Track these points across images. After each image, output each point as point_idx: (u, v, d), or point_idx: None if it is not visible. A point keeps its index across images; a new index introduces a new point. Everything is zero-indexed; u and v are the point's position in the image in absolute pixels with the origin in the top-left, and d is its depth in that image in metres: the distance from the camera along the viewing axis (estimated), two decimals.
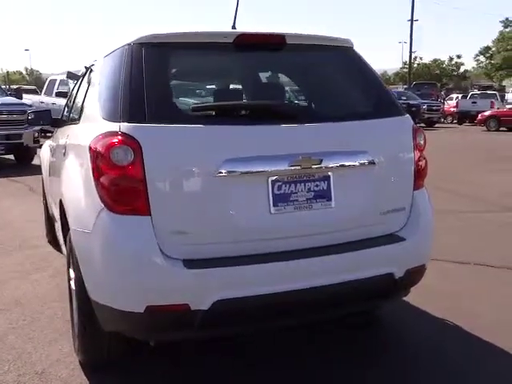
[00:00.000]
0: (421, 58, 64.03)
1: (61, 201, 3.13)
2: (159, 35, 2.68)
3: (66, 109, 4.60)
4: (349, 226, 2.65)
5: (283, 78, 2.82)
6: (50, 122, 4.80)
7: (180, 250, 2.37)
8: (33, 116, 4.88)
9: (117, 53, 2.84)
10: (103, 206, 2.41)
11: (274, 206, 2.48)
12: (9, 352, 3.19)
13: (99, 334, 2.74)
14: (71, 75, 3.92)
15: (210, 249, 2.41)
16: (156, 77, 2.54)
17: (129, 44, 2.69)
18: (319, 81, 2.89)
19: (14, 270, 4.76)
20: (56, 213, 3.97)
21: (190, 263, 2.35)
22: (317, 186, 2.56)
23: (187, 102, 2.65)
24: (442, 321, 3.46)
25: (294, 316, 2.58)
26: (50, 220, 5.28)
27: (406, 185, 2.82)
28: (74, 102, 4.02)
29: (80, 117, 3.38)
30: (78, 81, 4.25)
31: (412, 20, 42.48)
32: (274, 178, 2.48)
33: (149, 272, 2.35)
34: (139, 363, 3.00)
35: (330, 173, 2.58)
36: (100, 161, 2.43)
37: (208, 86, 2.92)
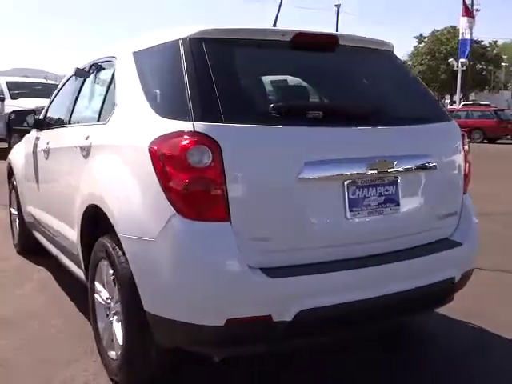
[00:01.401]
0: None
1: (88, 207, 2.87)
2: (220, 30, 2.53)
3: (57, 110, 4.27)
4: (413, 231, 2.61)
5: (340, 79, 2.75)
6: (33, 123, 4.47)
7: (260, 258, 2.22)
8: (13, 116, 4.50)
9: (163, 47, 2.66)
10: (175, 211, 2.21)
11: (350, 210, 2.39)
12: (25, 376, 2.86)
13: (149, 350, 2.53)
14: (80, 72, 3.62)
15: (289, 256, 2.28)
16: (224, 74, 2.38)
17: (183, 38, 2.51)
18: (375, 84, 2.84)
19: None
20: (57, 221, 3.67)
21: (272, 272, 2.21)
22: (386, 190, 2.50)
23: (257, 100, 2.50)
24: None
25: (371, 323, 2.50)
26: (23, 229, 4.90)
27: (458, 189, 2.82)
28: (75, 102, 3.72)
29: (101, 116, 3.14)
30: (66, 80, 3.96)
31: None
32: (350, 181, 2.39)
33: (230, 282, 2.18)
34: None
35: (398, 177, 2.53)
36: (171, 163, 2.23)
37: (272, 85, 2.78)
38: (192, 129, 2.21)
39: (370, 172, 2.42)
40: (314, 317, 2.24)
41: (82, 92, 3.68)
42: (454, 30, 56.70)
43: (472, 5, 39.39)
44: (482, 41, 55.62)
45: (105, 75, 3.33)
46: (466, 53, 29.56)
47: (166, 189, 2.24)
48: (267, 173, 2.26)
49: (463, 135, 2.90)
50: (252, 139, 2.25)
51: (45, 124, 4.35)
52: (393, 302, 2.44)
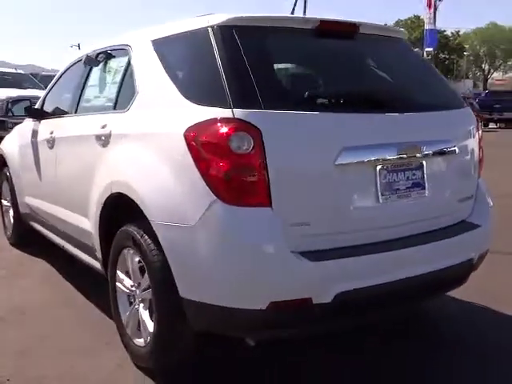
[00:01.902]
0: None
1: (110, 196, 2.86)
2: (248, 18, 2.56)
3: (58, 99, 4.21)
4: (437, 214, 2.70)
5: (364, 67, 2.81)
6: (30, 113, 4.40)
7: (300, 243, 2.26)
8: (11, 106, 4.41)
9: (190, 35, 2.67)
10: (215, 197, 2.23)
11: (381, 194, 2.46)
12: (54, 368, 2.84)
13: (180, 336, 2.56)
14: (89, 60, 3.58)
15: (327, 240, 2.33)
16: (258, 61, 2.41)
17: (213, 26, 2.53)
18: (396, 71, 2.90)
19: None
20: (65, 211, 3.63)
21: (312, 255, 2.26)
22: (413, 174, 2.57)
23: (292, 86, 2.53)
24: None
25: (401, 304, 2.59)
26: (19, 220, 4.82)
27: (473, 173, 2.92)
28: (82, 91, 3.67)
29: (118, 104, 3.12)
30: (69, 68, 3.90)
31: None
32: (381, 166, 2.46)
33: (273, 266, 2.22)
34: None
35: (424, 161, 2.60)
36: (211, 149, 2.25)
37: (302, 72, 2.81)
38: (232, 115, 2.24)
39: (399, 157, 2.49)
40: (351, 298, 2.30)
41: (89, 81, 3.64)
42: (417, 20, 57.68)
43: None
44: (445, 31, 56.71)
45: (118, 63, 3.30)
46: (435, 43, 30.01)
47: (206, 175, 2.26)
48: (306, 158, 2.30)
49: (477, 121, 3.00)
50: (291, 125, 2.29)
51: (44, 114, 4.29)
52: (422, 283, 2.53)
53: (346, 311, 2.36)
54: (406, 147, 2.50)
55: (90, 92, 3.60)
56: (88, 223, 3.26)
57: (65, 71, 4.29)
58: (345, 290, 2.28)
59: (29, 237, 4.88)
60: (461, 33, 63.69)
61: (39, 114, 4.34)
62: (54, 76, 4.61)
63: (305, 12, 3.46)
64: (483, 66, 70.45)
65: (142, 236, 2.63)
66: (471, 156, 2.89)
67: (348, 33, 2.76)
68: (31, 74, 14.76)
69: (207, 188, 2.26)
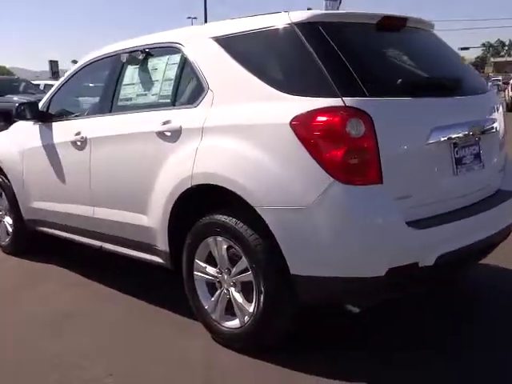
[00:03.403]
0: None
1: (189, 189, 2.97)
2: (329, 14, 2.81)
3: (74, 100, 4.17)
4: (488, 184, 3.10)
5: (425, 56, 3.14)
6: (35, 115, 4.32)
7: (406, 214, 2.55)
8: (22, 108, 4.30)
9: (272, 32, 2.85)
10: (333, 179, 2.46)
11: (456, 167, 2.81)
12: (142, 358, 2.93)
13: (283, 313, 2.77)
14: (130, 59, 3.60)
15: (424, 209, 2.64)
16: (349, 53, 2.65)
17: (296, 23, 2.74)
18: (445, 59, 3.24)
19: (14, 283, 4.19)
20: (108, 211, 3.64)
21: (416, 224, 2.55)
22: (474, 149, 2.94)
23: (384, 75, 2.80)
24: None
25: (474, 261, 2.96)
26: (21, 228, 4.69)
27: (503, 148, 3.35)
28: (116, 89, 3.68)
29: (179, 100, 3.22)
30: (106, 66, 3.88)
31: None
32: (455, 143, 2.80)
33: (390, 236, 2.50)
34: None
35: (480, 138, 2.98)
36: (327, 135, 2.48)
37: (385, 61, 3.05)
38: (343, 104, 2.47)
39: (467, 134, 2.85)
40: (446, 260, 2.63)
41: (124, 79, 3.65)
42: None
43: None
44: None
45: (167, 61, 3.36)
46: None
47: (321, 159, 2.48)
48: (406, 139, 2.61)
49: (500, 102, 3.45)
50: (392, 110, 2.59)
51: (55, 116, 4.24)
52: (489, 242, 2.92)
53: (442, 271, 2.69)
54: (472, 125, 2.87)
55: (129, 90, 3.61)
56: (147, 219, 3.32)
57: (74, 74, 4.24)
58: (443, 252, 2.60)
59: (30, 244, 4.79)
60: None
61: (48, 117, 4.27)
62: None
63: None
64: None
65: (236, 223, 2.79)
66: (501, 133, 3.31)
67: (402, 26, 3.07)
68: None
69: (323, 171, 2.48)
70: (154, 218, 3.27)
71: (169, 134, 3.14)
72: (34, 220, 4.55)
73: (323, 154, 2.49)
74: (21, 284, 4.15)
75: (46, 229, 4.48)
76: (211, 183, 2.88)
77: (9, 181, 4.73)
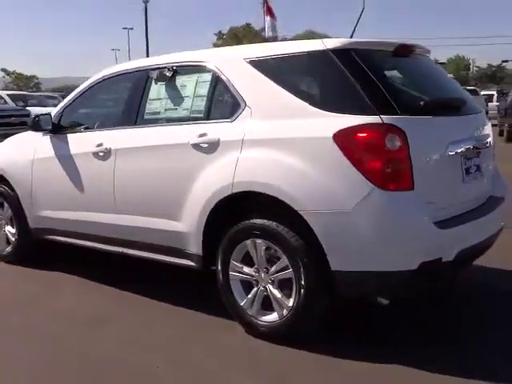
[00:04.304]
0: None
1: (229, 196, 3.27)
2: (359, 42, 3.20)
3: (90, 113, 4.36)
4: (486, 190, 3.58)
5: (433, 78, 3.59)
6: (51, 126, 4.47)
7: (432, 215, 2.97)
8: (37, 120, 4.44)
9: (308, 56, 3.23)
10: (373, 186, 2.84)
11: (465, 176, 3.26)
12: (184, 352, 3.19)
13: (321, 306, 3.12)
14: (156, 75, 3.84)
15: (445, 212, 3.07)
16: (380, 76, 3.06)
17: (332, 49, 3.12)
18: (446, 81, 3.72)
19: (33, 291, 4.30)
20: (137, 218, 3.85)
21: (440, 224, 2.97)
22: (476, 161, 3.41)
23: (410, 96, 3.21)
24: None
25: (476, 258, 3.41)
26: (25, 237, 4.78)
27: (493, 160, 3.85)
28: (141, 103, 3.91)
29: (213, 115, 3.51)
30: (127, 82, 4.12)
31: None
32: (464, 155, 3.25)
33: (421, 235, 2.91)
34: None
35: (480, 151, 3.46)
36: (369, 148, 2.87)
37: (407, 84, 3.44)
38: (381, 121, 2.87)
39: (471, 148, 3.31)
40: (464, 255, 3.06)
41: (150, 94, 3.89)
42: (248, 28, 60.76)
43: (264, 3, 42.77)
44: (277, 36, 60.30)
45: (196, 78, 3.64)
46: None
47: (363, 168, 2.86)
48: (430, 151, 3.05)
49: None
50: (420, 126, 3.02)
51: (69, 128, 4.41)
52: (490, 242, 3.41)
53: (458, 266, 3.12)
54: (475, 140, 3.36)
55: (156, 105, 3.86)
56: (180, 225, 3.58)
57: (88, 88, 4.42)
58: (461, 249, 3.03)
59: (33, 252, 4.90)
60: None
61: (63, 128, 4.43)
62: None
63: (352, 36, 3.80)
64: None
65: (277, 226, 3.12)
66: (492, 147, 3.82)
67: (412, 52, 3.51)
68: None
69: (364, 179, 2.86)
70: (188, 223, 3.53)
71: (205, 145, 3.43)
72: (42, 228, 4.66)
73: (364, 164, 2.87)
74: (39, 292, 4.27)
75: (56, 237, 4.60)
76: (254, 190, 3.18)
77: (12, 190, 4.82)
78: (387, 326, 3.45)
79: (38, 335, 3.46)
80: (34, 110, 16.28)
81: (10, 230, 4.97)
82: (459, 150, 3.18)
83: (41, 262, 4.84)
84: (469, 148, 3.28)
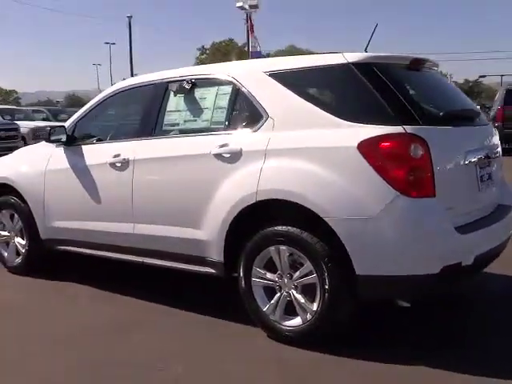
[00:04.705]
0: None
1: (251, 205, 3.36)
2: (377, 56, 3.35)
3: (107, 126, 4.43)
4: (495, 198, 3.73)
5: (446, 90, 3.76)
6: (67, 138, 4.53)
7: (452, 221, 3.10)
8: (53, 132, 4.49)
9: (329, 69, 3.36)
10: (398, 193, 2.97)
11: (480, 183, 3.41)
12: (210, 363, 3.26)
13: (344, 309, 3.21)
14: (179, 88, 3.93)
15: (461, 218, 3.20)
16: (400, 88, 3.20)
17: (353, 63, 3.25)
18: (457, 93, 3.89)
19: (51, 301, 4.35)
20: (158, 227, 3.91)
21: (460, 230, 3.11)
22: (488, 170, 3.56)
23: (428, 107, 3.35)
24: None
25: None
26: (36, 248, 4.81)
27: (501, 169, 4.01)
28: (159, 114, 4.00)
29: (234, 125, 3.61)
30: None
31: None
32: (478, 163, 3.40)
33: (444, 240, 3.04)
34: None
35: (491, 160, 3.61)
36: (393, 156, 2.99)
37: (425, 96, 3.58)
38: (404, 131, 3.00)
39: (484, 157, 3.46)
40: (480, 260, 3.20)
41: (168, 106, 3.99)
42: (231, 43, 61.30)
43: (247, 20, 43.24)
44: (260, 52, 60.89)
45: (216, 91, 3.75)
46: None
47: (387, 176, 2.98)
48: (450, 159, 3.19)
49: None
50: (440, 136, 3.16)
51: (79, 139, 4.49)
52: (501, 248, 3.54)
53: (475, 269, 3.25)
54: (487, 150, 3.52)
55: (175, 116, 3.96)
56: (201, 233, 3.66)
57: (103, 101, 4.50)
58: (479, 254, 3.16)
59: (43, 263, 4.93)
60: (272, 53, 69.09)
61: (77, 140, 4.50)
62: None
63: (366, 49, 3.90)
64: None
65: (301, 232, 3.22)
66: (500, 157, 3.98)
67: (424, 65, 3.67)
68: None
69: (388, 186, 2.98)
70: (209, 231, 3.60)
71: (227, 155, 3.52)
72: (54, 239, 4.69)
73: (388, 172, 2.99)
74: (58, 301, 4.32)
75: (69, 247, 4.64)
76: (279, 198, 3.28)
77: (23, 201, 4.85)
78: (402, 329, 3.56)
79: (65, 344, 3.50)
80: (22, 124, 16.54)
81: (19, 241, 4.99)
82: (474, 159, 3.33)
83: (49, 273, 4.87)
84: (481, 157, 3.43)
